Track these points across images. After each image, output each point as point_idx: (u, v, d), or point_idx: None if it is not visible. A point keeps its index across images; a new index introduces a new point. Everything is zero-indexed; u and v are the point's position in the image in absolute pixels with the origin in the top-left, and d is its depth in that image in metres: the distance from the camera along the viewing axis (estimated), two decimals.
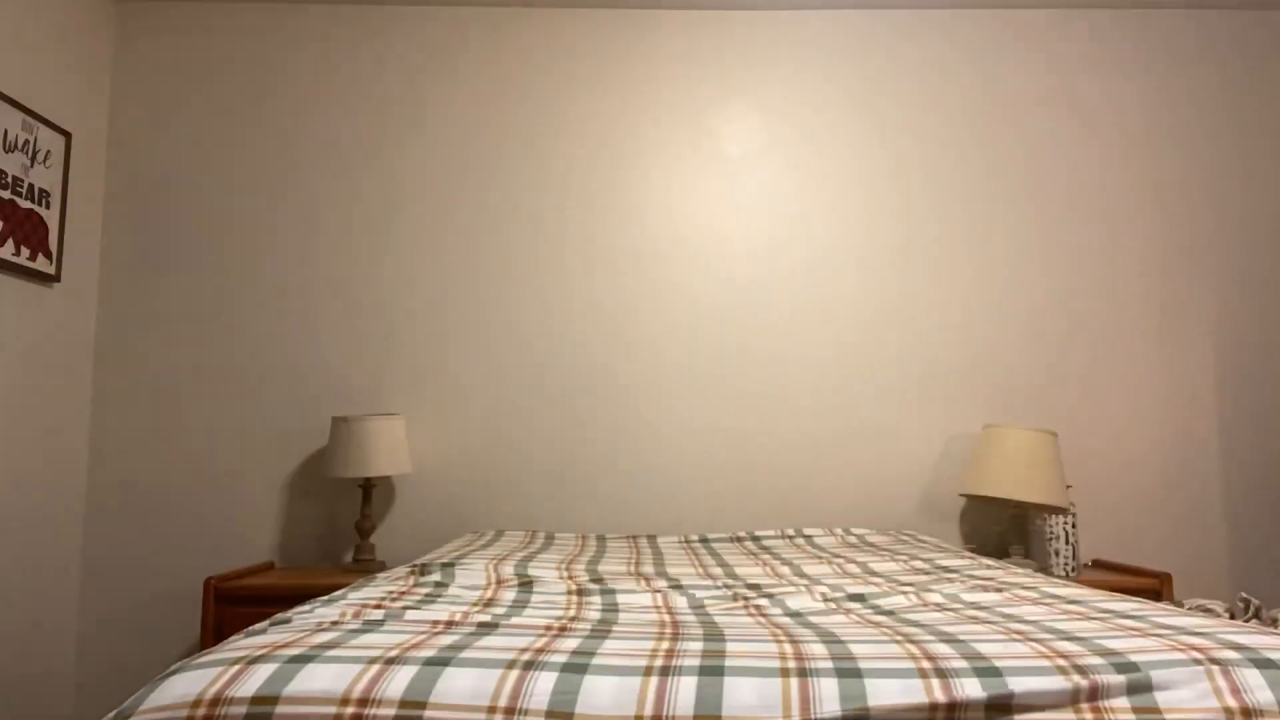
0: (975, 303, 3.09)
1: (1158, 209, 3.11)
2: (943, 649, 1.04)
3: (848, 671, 0.97)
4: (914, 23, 3.18)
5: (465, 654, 1.04)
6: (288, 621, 1.24)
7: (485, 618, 1.29)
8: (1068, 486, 2.84)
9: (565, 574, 1.83)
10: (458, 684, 0.96)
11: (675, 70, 3.17)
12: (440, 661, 1.01)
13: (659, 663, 1.00)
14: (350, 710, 0.94)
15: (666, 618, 1.34)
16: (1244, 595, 2.22)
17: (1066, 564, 2.76)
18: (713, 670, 0.98)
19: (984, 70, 3.16)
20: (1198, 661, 0.99)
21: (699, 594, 1.59)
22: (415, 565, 1.84)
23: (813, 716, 0.92)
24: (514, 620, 1.29)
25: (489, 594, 1.56)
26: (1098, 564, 2.90)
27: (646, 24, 3.18)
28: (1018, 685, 0.94)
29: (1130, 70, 3.16)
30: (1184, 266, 3.09)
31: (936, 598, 1.48)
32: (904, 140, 3.14)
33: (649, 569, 1.99)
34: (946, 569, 1.90)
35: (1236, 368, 3.06)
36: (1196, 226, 3.10)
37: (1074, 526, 2.80)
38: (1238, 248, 3.10)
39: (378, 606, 1.36)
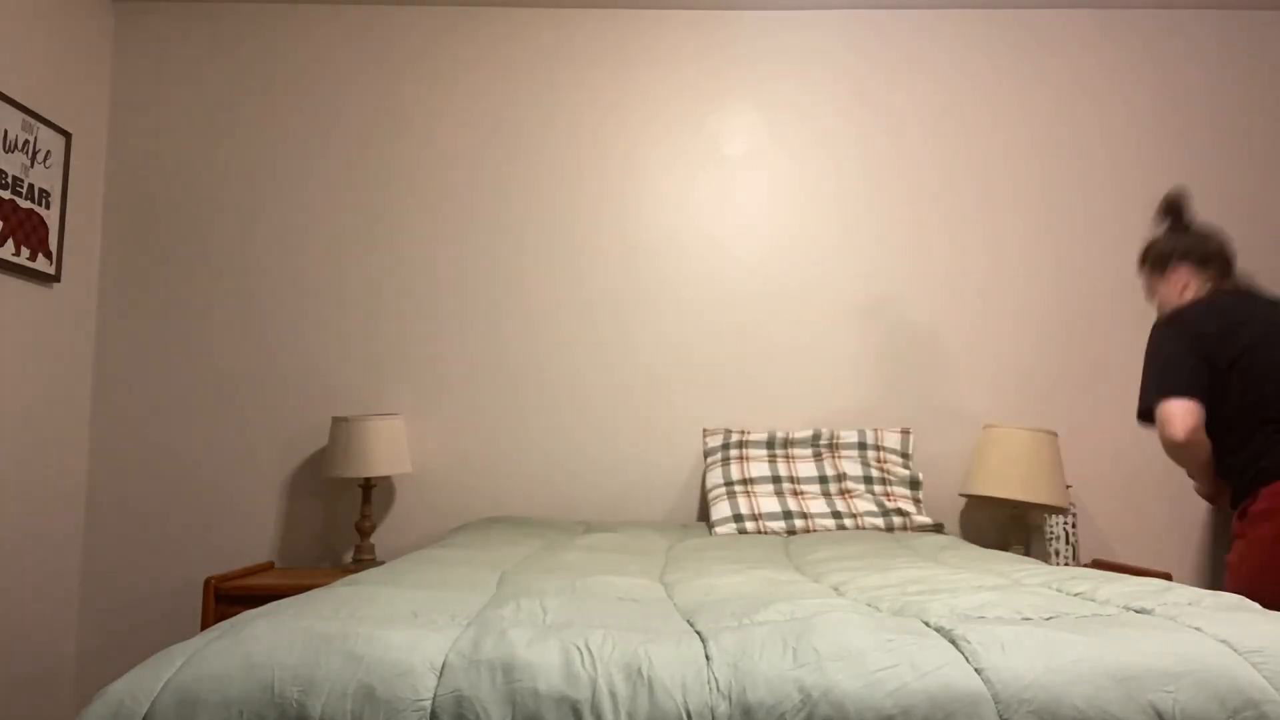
0: (975, 302, 3.09)
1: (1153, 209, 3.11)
2: None
3: None
4: (914, 22, 3.18)
5: None
6: None
7: None
8: (1068, 486, 2.84)
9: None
10: None
11: (675, 70, 3.17)
12: None
13: None
14: None
15: None
16: None
17: (1066, 564, 2.76)
18: None
19: (985, 70, 3.16)
20: None
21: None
22: None
23: None
24: None
25: None
26: (1098, 564, 2.90)
27: (646, 24, 3.18)
28: None
29: (1133, 71, 3.15)
30: None
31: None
32: (905, 140, 3.14)
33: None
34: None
35: None
36: None
37: (1074, 526, 2.80)
38: (1237, 247, 3.09)
39: None
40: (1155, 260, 2.19)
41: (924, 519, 2.66)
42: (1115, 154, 3.13)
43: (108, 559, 2.99)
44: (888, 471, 2.79)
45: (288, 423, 3.05)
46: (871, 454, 2.82)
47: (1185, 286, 2.14)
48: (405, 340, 3.08)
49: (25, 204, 2.70)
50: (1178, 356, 1.99)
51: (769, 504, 2.67)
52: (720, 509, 2.67)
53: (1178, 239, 2.17)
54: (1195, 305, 2.05)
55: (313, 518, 3.02)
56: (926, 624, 1.22)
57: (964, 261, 3.11)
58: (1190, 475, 2.12)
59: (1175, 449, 1.98)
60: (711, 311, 3.09)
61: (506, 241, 3.12)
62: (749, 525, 2.61)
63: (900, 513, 2.66)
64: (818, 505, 2.68)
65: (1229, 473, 2.02)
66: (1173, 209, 2.21)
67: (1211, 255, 2.13)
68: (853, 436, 2.84)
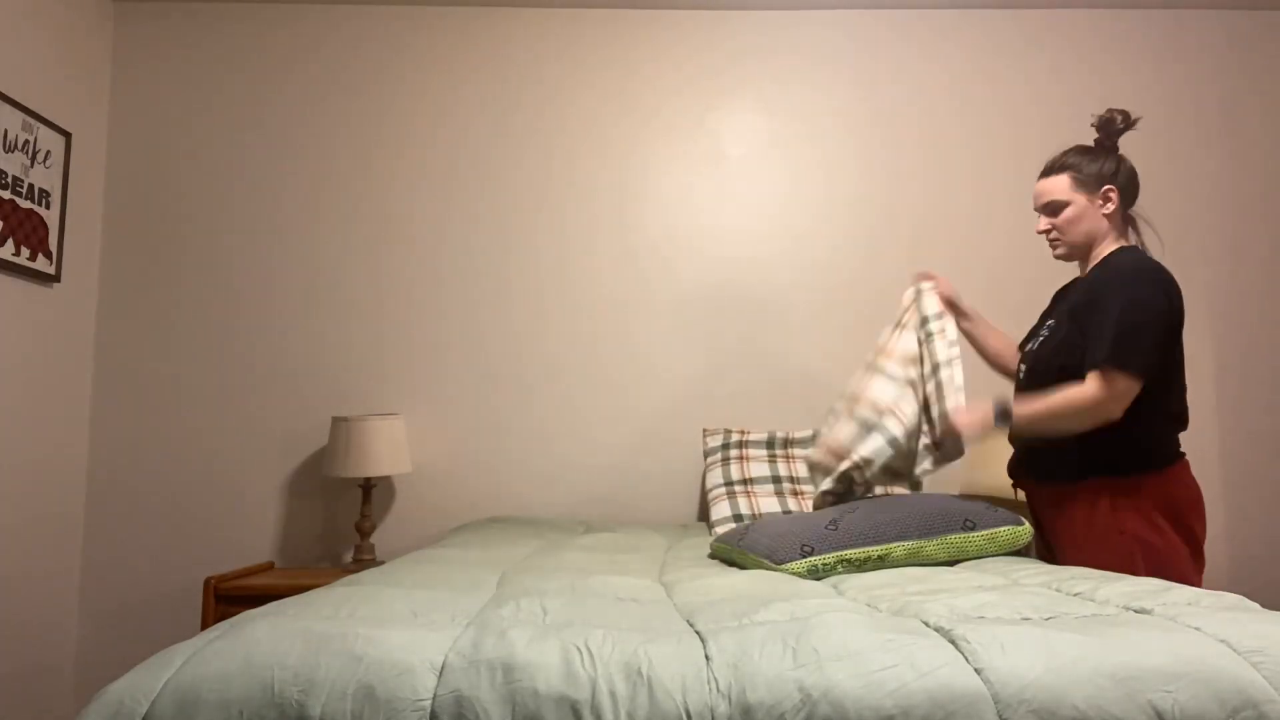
0: (975, 302, 3.09)
1: (1156, 208, 3.11)
2: None
3: None
4: (914, 22, 3.18)
5: None
6: None
7: None
8: None
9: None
10: None
11: (675, 70, 3.17)
12: None
13: None
14: None
15: None
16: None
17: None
18: None
19: (985, 70, 3.16)
20: None
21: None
22: None
23: None
24: None
25: None
26: None
27: (646, 24, 3.18)
28: None
29: (1129, 70, 3.15)
30: (1182, 266, 3.09)
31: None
32: (904, 139, 3.14)
33: None
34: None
35: (1234, 367, 3.06)
36: (1194, 226, 3.10)
37: None
38: (1235, 247, 3.09)
39: None
40: (1092, 179, 1.97)
41: None
42: None
43: (108, 559, 2.99)
44: None
45: (288, 422, 3.05)
46: None
47: (1109, 216, 1.97)
48: (406, 340, 3.08)
49: (25, 204, 2.70)
50: (1158, 330, 1.82)
51: (769, 504, 2.67)
52: (720, 509, 2.67)
53: (1118, 162, 1.99)
54: (1165, 269, 1.89)
55: (313, 518, 3.02)
56: (926, 624, 1.22)
57: (963, 261, 3.11)
58: (1044, 432, 1.90)
59: (1095, 419, 1.81)
60: (712, 310, 3.09)
61: (507, 241, 3.12)
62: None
63: None
64: None
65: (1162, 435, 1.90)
66: (1123, 129, 2.01)
67: (1136, 195, 2.01)
68: None
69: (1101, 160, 1.99)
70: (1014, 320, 3.06)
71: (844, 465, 2.08)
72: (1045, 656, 1.05)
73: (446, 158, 3.14)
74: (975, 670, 1.05)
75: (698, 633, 1.19)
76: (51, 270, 2.81)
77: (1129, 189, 2.01)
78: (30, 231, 2.71)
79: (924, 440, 2.11)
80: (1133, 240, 2.02)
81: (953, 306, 2.21)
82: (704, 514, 3.02)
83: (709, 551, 2.14)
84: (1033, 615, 1.27)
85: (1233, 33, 3.16)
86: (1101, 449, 1.87)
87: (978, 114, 3.15)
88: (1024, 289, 3.09)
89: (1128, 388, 1.80)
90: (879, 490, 2.23)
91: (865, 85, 3.17)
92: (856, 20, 3.18)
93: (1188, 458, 1.93)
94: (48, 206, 2.80)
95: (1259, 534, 3.00)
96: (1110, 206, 1.98)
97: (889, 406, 2.05)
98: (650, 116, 3.16)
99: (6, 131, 2.62)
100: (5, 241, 2.60)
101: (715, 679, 1.04)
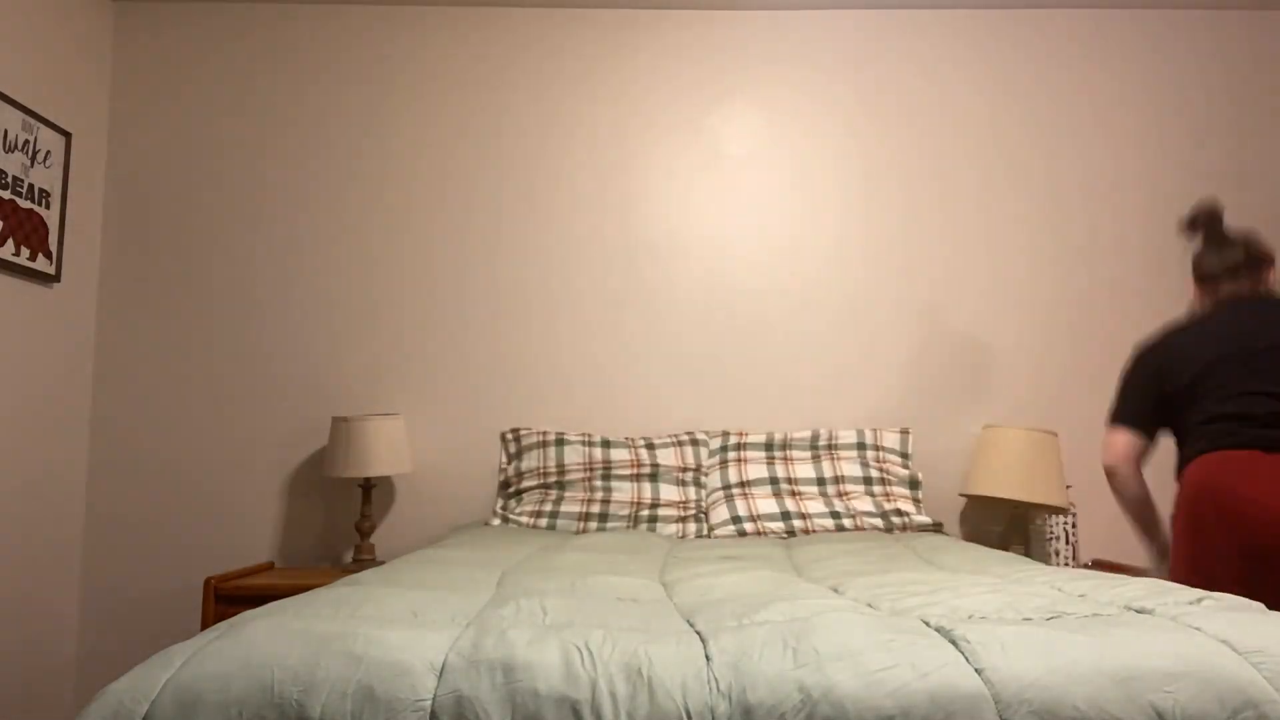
0: (976, 303, 3.09)
1: (1159, 209, 3.11)
2: None
3: None
4: (914, 22, 3.18)
5: None
6: None
7: None
8: (1068, 486, 2.84)
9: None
10: None
11: (675, 70, 3.17)
12: None
13: None
14: None
15: None
16: None
17: (1066, 564, 2.76)
18: None
19: (985, 70, 3.16)
20: None
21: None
22: None
23: None
24: None
25: None
26: (1098, 564, 2.90)
27: (646, 24, 3.18)
28: None
29: (1133, 71, 3.15)
30: (1183, 266, 3.08)
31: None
32: (904, 140, 3.14)
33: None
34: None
35: None
36: None
37: (1074, 526, 2.80)
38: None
39: None
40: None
41: (923, 519, 2.66)
42: (1115, 154, 3.13)
43: (108, 559, 2.98)
44: (887, 472, 2.79)
45: (288, 423, 3.05)
46: (871, 454, 2.82)
47: (1197, 300, 2.22)
48: (405, 340, 3.08)
49: (25, 204, 2.70)
50: (1131, 384, 2.16)
51: (767, 505, 2.67)
52: (719, 513, 2.67)
53: (1195, 255, 2.23)
54: (1152, 337, 2.16)
55: (313, 518, 3.02)
56: (926, 624, 1.22)
57: (964, 262, 3.11)
58: (1133, 525, 2.19)
59: (1106, 473, 2.15)
60: (711, 312, 3.09)
61: (507, 241, 3.12)
62: (748, 527, 2.61)
63: (899, 513, 2.66)
64: (816, 506, 2.68)
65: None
66: (1188, 226, 2.26)
67: (1207, 274, 2.18)
68: (851, 437, 2.84)
69: (1192, 255, 2.24)
70: (1013, 316, 3.07)
71: None
72: (1046, 657, 1.05)
73: (446, 157, 3.14)
74: (976, 670, 1.05)
75: (698, 633, 1.19)
76: (51, 270, 2.81)
77: (1199, 274, 2.21)
78: (30, 231, 2.71)
79: None
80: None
81: None
82: None
83: (709, 550, 2.13)
84: (1034, 616, 1.27)
85: (1233, 33, 3.15)
86: None
87: (980, 113, 3.15)
88: (1028, 285, 3.09)
89: (1107, 435, 2.20)
90: None
91: (866, 85, 3.16)
92: (858, 20, 3.18)
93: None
94: (48, 206, 2.80)
95: None
96: (1195, 294, 2.23)
97: None
98: (650, 116, 3.16)
99: (6, 131, 2.61)
100: (5, 241, 2.60)
101: (715, 679, 1.04)
